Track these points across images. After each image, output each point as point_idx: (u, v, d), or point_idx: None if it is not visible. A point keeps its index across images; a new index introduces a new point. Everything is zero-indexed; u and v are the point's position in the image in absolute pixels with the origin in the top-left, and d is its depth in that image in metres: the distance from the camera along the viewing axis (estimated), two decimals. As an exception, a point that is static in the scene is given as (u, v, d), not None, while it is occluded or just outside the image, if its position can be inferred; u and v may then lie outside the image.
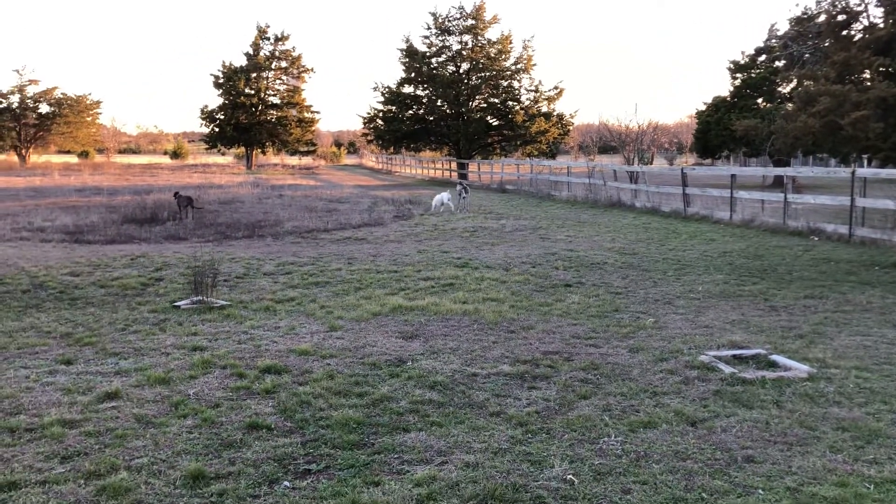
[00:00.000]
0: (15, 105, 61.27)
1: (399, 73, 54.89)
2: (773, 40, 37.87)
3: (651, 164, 42.81)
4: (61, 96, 63.27)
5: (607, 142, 57.14)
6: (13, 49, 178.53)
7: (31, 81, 61.72)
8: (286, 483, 4.35)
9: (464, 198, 24.14)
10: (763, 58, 39.33)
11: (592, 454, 4.71)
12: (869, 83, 11.46)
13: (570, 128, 48.75)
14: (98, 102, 66.35)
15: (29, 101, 61.94)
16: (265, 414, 5.43)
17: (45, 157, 66.61)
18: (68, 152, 71.27)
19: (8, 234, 16.43)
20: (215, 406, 5.59)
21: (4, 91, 60.84)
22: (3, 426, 5.17)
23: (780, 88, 38.44)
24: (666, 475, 4.40)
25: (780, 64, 36.57)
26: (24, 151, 62.13)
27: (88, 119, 66.30)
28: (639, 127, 39.78)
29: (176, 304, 9.21)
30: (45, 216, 19.75)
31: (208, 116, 60.84)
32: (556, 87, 45.55)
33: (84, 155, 70.40)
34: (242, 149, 64.12)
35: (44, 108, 62.89)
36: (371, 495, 4.16)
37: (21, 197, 27.02)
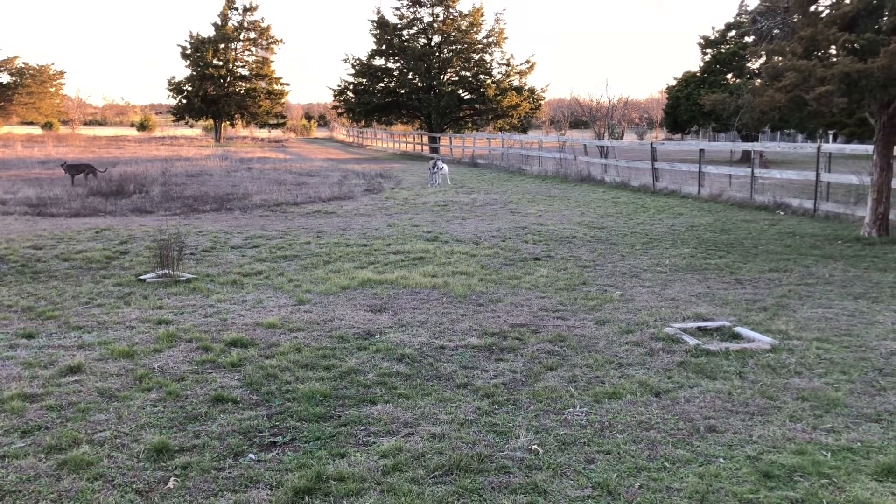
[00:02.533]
0: (-26, 74, 59.69)
1: (370, 45, 54.29)
2: (743, 16, 38.09)
3: (621, 139, 42.96)
4: (23, 66, 61.62)
5: (578, 117, 57.26)
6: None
7: (-9, 50, 60.14)
8: (251, 455, 4.33)
9: (437, 172, 23.91)
10: (733, 33, 39.56)
11: (558, 425, 4.75)
12: (834, 59, 11.54)
13: (542, 102, 48.63)
14: (62, 73, 64.84)
15: (-11, 70, 60.35)
16: (231, 387, 5.40)
17: (6, 128, 65.11)
18: (31, 123, 69.72)
19: (-32, 206, 16.05)
20: (180, 379, 5.55)
21: (-37, 60, 59.13)
22: (-39, 401, 5.08)
23: (749, 64, 38.69)
24: (629, 445, 4.45)
25: (749, 39, 36.84)
26: (-16, 122, 60.67)
27: (52, 90, 64.69)
28: (609, 102, 39.85)
29: (141, 277, 9.09)
30: (6, 188, 19.33)
31: (176, 88, 59.78)
32: (527, 62, 45.43)
33: (48, 126, 68.90)
34: (211, 121, 63.17)
35: (4, 78, 61.29)
36: (337, 467, 4.16)
37: (-18, 169, 26.40)
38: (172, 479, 4.05)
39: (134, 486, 3.97)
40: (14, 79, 61.26)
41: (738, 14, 39.26)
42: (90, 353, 6.16)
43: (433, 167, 23.88)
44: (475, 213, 15.92)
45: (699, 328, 6.86)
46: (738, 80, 38.57)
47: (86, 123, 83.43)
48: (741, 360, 6.00)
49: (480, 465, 4.19)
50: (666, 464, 4.22)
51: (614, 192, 20.67)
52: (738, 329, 6.82)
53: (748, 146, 21.15)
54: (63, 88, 67.43)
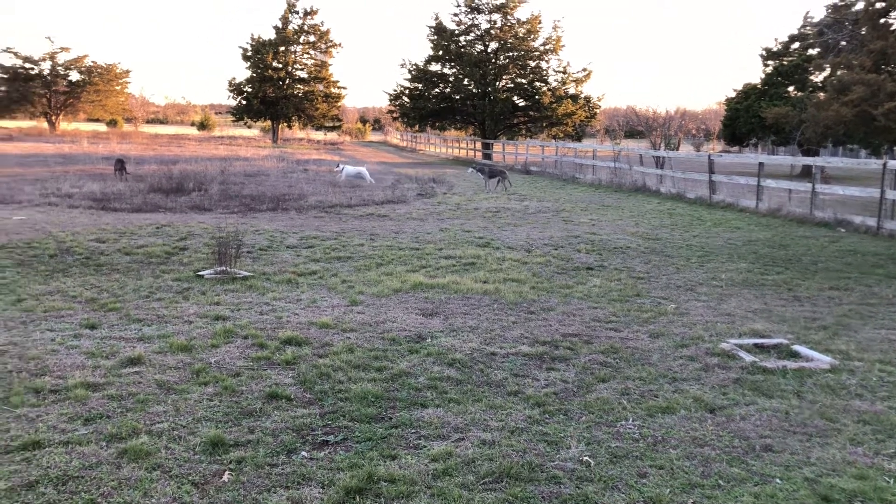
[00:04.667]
0: (46, 72, 61.74)
1: (427, 50, 54.59)
2: (808, 27, 37.20)
3: (678, 149, 42.35)
4: (91, 65, 63.61)
5: (634, 126, 56.60)
6: (45, 16, 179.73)
7: (63, 49, 62.13)
8: (304, 453, 4.40)
9: (494, 178, 24.08)
10: (796, 45, 38.68)
11: (609, 437, 4.71)
12: (906, 73, 11.22)
13: (597, 111, 48.24)
14: (127, 72, 66.66)
15: (60, 68, 62.34)
16: (285, 384, 5.48)
17: (74, 124, 67.24)
18: (97, 120, 71.83)
19: (37, 199, 16.64)
20: (236, 375, 5.66)
21: (36, 58, 61.27)
22: (28, 387, 5.27)
23: (812, 77, 37.82)
24: (683, 461, 4.39)
25: (813, 52, 35.94)
26: (53, 118, 62.68)
27: (118, 88, 66.60)
28: (666, 112, 39.34)
29: (200, 273, 9.29)
30: (73, 183, 19.96)
31: (236, 89, 60.93)
32: (584, 70, 45.13)
33: (112, 123, 70.92)
34: (268, 122, 64.19)
35: (74, 76, 63.30)
36: (388, 468, 4.20)
37: (50, 163, 27.32)
38: (227, 472, 4.13)
39: (190, 477, 4.06)
40: (83, 77, 63.25)
41: (803, 26, 38.32)
42: (150, 345, 6.32)
43: (479, 170, 24.40)
44: (527, 221, 15.87)
45: (756, 345, 6.72)
46: (800, 94, 37.71)
47: (148, 121, 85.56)
48: (799, 379, 5.86)
49: (531, 473, 4.18)
50: (720, 482, 4.14)
51: (669, 204, 20.38)
52: (797, 347, 6.66)
53: (809, 161, 20.64)
54: (128, 87, 69.29)
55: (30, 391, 5.19)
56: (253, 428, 4.71)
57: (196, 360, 5.98)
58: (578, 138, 51.06)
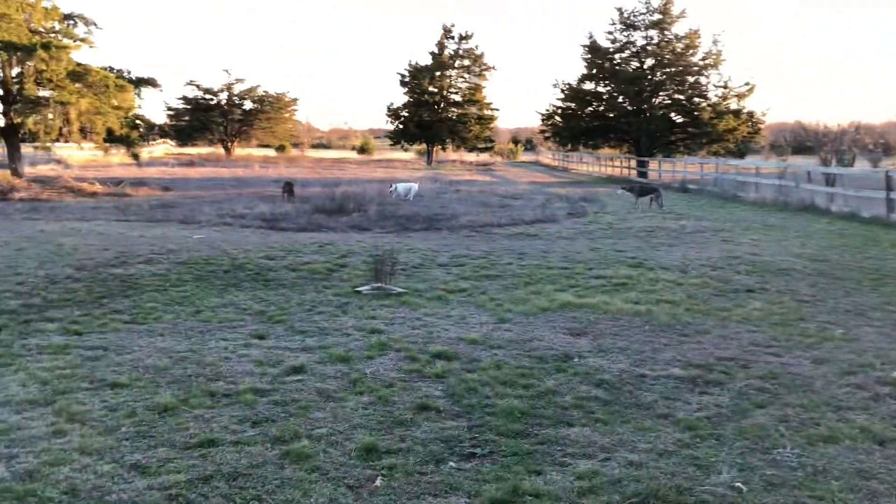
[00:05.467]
0: (223, 102, 66.95)
1: (580, 69, 54.26)
2: None
3: (851, 165, 39.52)
4: (263, 94, 68.32)
5: (802, 141, 53.37)
6: (221, 48, 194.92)
7: (238, 80, 67.19)
8: (452, 463, 4.54)
9: (645, 196, 23.61)
10: None
11: (765, 464, 4.51)
12: None
13: (761, 126, 45.99)
14: (295, 100, 71.03)
15: (235, 98, 67.41)
16: (435, 397, 5.67)
17: (246, 150, 72.27)
18: (267, 146, 76.80)
19: (214, 219, 18.08)
20: (389, 386, 5.91)
21: (215, 89, 66.58)
22: (204, 390, 5.77)
23: None
24: (845, 493, 4.14)
25: None
26: (229, 144, 67.77)
27: (286, 115, 71.11)
28: (838, 126, 36.85)
29: (357, 289, 9.76)
30: (245, 204, 21.51)
31: (394, 114, 63.35)
32: (746, 84, 43.20)
33: (281, 149, 75.57)
34: (424, 145, 66.18)
35: (247, 105, 68.21)
36: (533, 483, 4.25)
37: (226, 186, 29.57)
38: (380, 477, 4.34)
39: (345, 480, 4.31)
40: (255, 106, 68.02)
41: None
42: (312, 355, 6.73)
43: (629, 189, 24.09)
44: (683, 241, 15.40)
45: (936, 375, 6.19)
46: None
47: (313, 146, 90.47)
48: None
49: (679, 496, 4.09)
50: (888, 519, 3.88)
51: (841, 223, 19.06)
52: None
53: None
54: (295, 114, 73.78)
55: (206, 394, 5.69)
56: (404, 437, 4.92)
57: (353, 370, 6.31)
58: (741, 155, 48.86)
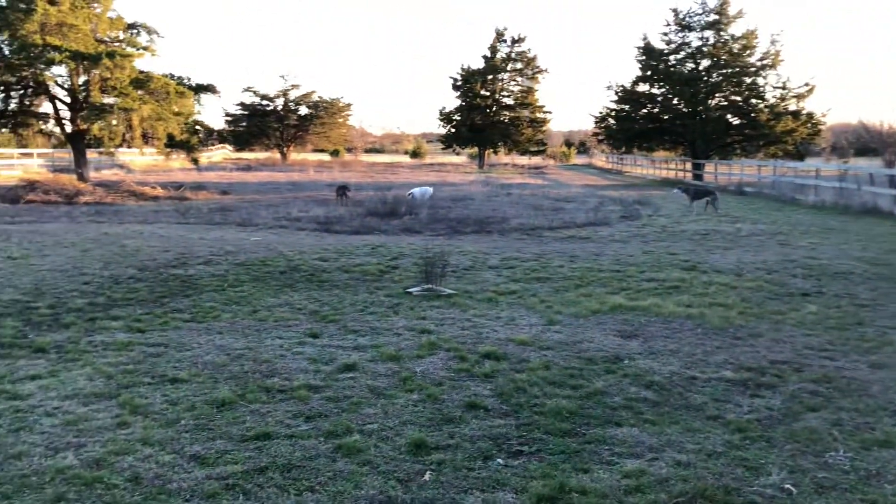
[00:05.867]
0: (280, 108, 68.16)
1: (634, 71, 53.75)
2: None
3: (918, 167, 38.21)
4: (318, 99, 69.28)
5: (865, 143, 51.89)
6: (277, 54, 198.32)
7: (294, 86, 68.31)
8: (499, 460, 4.61)
9: (701, 199, 23.33)
10: None
11: (816, 467, 4.47)
12: None
13: (821, 127, 44.78)
14: (349, 105, 71.92)
15: (291, 103, 68.52)
16: (483, 395, 5.75)
17: (302, 154, 73.40)
18: (322, 151, 77.84)
19: (270, 222, 18.48)
20: (438, 384, 6.02)
21: (271, 95, 67.83)
22: (260, 386, 5.95)
23: None
24: (900, 498, 4.08)
25: None
26: (285, 149, 68.94)
27: (340, 120, 71.97)
28: (905, 126, 35.66)
29: (408, 290, 9.89)
30: (300, 208, 21.91)
31: (446, 118, 63.58)
32: (806, 84, 42.11)
33: (335, 153, 76.52)
34: (475, 148, 66.27)
35: (303, 111, 69.29)
36: (579, 480, 4.30)
37: (282, 190, 30.13)
38: (428, 472, 4.44)
39: (395, 474, 4.42)
40: (311, 111, 69.05)
41: None
42: (363, 354, 6.88)
43: (684, 190, 23.80)
44: (738, 244, 15.16)
45: None
46: None
47: (366, 151, 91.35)
48: None
49: (727, 497, 4.09)
50: (944, 524, 3.81)
51: (905, 227, 18.51)
52: None
53: None
54: (349, 119, 74.62)
55: (262, 389, 5.87)
56: (453, 434, 5.01)
57: (403, 368, 6.43)
58: (800, 157, 47.69)
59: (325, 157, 73.08)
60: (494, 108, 62.46)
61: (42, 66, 26.93)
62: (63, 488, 4.19)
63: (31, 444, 4.78)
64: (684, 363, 6.67)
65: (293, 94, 68.38)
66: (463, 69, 62.17)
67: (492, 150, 65.58)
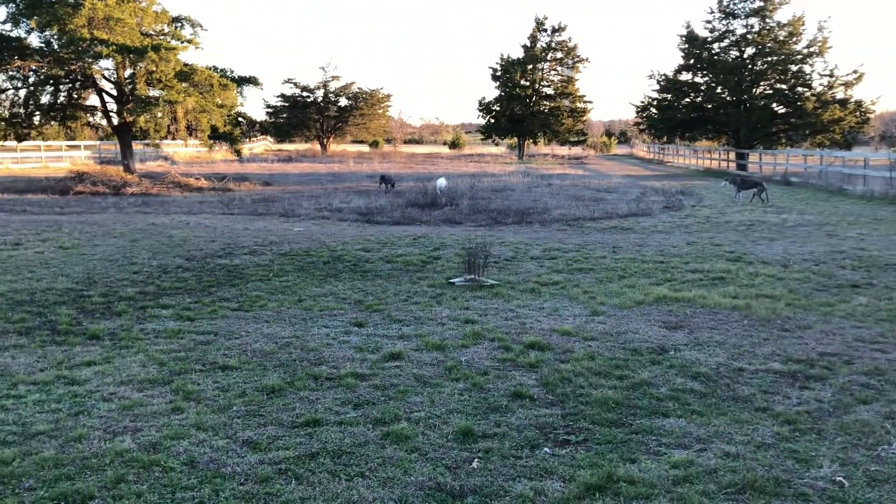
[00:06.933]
0: (320, 99, 68.63)
1: (676, 60, 53.00)
2: None
3: (972, 156, 37.07)
4: (358, 91, 69.59)
5: (917, 131, 50.44)
6: (317, 46, 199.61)
7: (334, 77, 68.68)
8: (546, 449, 4.64)
9: (749, 189, 22.96)
10: None
11: (868, 460, 4.42)
12: None
13: (870, 116, 43.66)
14: (388, 96, 71.98)
15: (331, 95, 68.95)
16: (528, 385, 5.78)
17: (341, 146, 73.90)
18: (361, 142, 78.27)
19: (312, 213, 18.68)
20: (484, 374, 6.06)
21: (312, 86, 68.35)
22: (309, 374, 6.06)
23: None
24: (956, 492, 4.01)
25: None
26: (325, 140, 69.45)
27: (380, 111, 72.19)
28: (958, 113, 34.60)
29: (451, 280, 9.94)
30: (341, 199, 22.09)
31: (485, 108, 63.39)
32: (854, 72, 41.10)
33: (374, 144, 76.90)
34: (515, 139, 66.00)
35: (343, 102, 69.67)
36: (627, 470, 4.30)
37: (322, 181, 30.39)
38: (476, 459, 4.49)
39: (443, 461, 4.47)
40: (350, 102, 69.40)
41: None
42: (408, 343, 6.95)
43: (734, 182, 23.34)
44: (785, 235, 14.91)
45: None
46: None
47: (405, 141, 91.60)
48: None
49: (776, 488, 4.07)
50: None
51: (958, 217, 18.02)
52: None
53: None
54: (389, 110, 74.80)
55: (310, 377, 5.97)
56: (499, 422, 5.05)
57: (448, 358, 6.48)
58: (848, 146, 46.62)
59: (365, 148, 73.48)
60: (534, 98, 62.08)
61: (90, 60, 27.49)
62: (122, 470, 4.33)
63: (91, 428, 4.94)
64: (731, 354, 6.61)
65: (333, 86, 68.79)
66: (502, 59, 61.88)
67: (531, 140, 65.23)
